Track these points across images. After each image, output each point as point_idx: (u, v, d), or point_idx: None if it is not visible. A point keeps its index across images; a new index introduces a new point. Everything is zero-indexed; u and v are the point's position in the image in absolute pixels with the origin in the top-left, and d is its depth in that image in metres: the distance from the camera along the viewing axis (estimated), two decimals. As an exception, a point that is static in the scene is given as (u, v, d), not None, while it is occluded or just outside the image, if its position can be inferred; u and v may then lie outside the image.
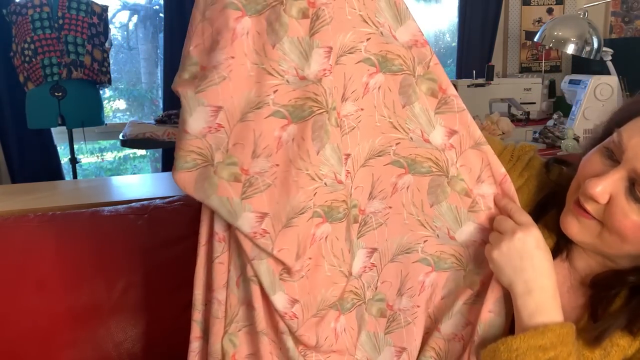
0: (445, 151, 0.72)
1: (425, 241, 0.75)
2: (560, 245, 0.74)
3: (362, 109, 0.71)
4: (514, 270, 0.66)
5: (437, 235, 0.75)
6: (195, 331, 0.76)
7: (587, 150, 0.71)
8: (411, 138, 0.72)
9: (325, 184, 0.68)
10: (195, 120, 0.65)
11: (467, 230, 0.74)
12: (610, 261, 0.70)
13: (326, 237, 0.71)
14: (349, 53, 0.69)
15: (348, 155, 0.72)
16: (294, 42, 0.65)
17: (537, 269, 0.66)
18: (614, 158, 0.64)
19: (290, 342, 0.70)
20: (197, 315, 0.76)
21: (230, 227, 0.70)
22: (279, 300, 0.67)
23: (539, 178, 0.79)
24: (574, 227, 0.67)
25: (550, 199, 0.76)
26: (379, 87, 0.71)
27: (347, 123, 0.71)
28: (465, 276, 0.75)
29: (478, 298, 0.73)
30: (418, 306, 0.76)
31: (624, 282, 0.68)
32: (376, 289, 0.77)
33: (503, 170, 0.73)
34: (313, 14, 0.65)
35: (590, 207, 0.64)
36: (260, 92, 0.65)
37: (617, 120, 0.67)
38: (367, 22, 0.68)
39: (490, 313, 0.71)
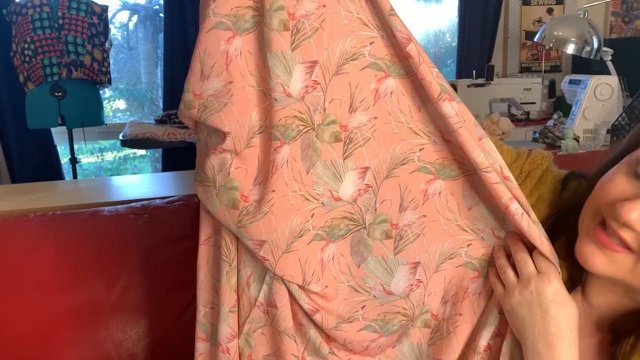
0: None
1: (468, 245, 0.70)
2: (574, 278, 0.65)
3: (375, 117, 0.67)
4: (523, 324, 0.60)
5: (482, 238, 0.69)
6: (199, 332, 0.75)
7: (603, 170, 0.62)
8: (434, 142, 0.68)
9: (322, 203, 0.66)
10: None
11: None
12: (630, 293, 0.61)
13: (333, 258, 0.69)
14: (352, 60, 0.64)
15: (366, 168, 0.68)
16: (277, 56, 0.60)
17: (548, 328, 0.58)
18: None
19: (311, 333, 0.69)
20: (200, 316, 0.75)
21: None
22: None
23: (551, 197, 0.70)
24: (599, 261, 0.57)
25: (560, 223, 0.67)
26: (391, 93, 0.66)
27: (361, 134, 0.67)
28: None
29: None
30: (460, 314, 0.70)
31: None
32: (423, 304, 0.72)
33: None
34: (293, 27, 0.61)
35: (624, 234, 0.55)
36: (260, 115, 0.63)
37: (638, 141, 0.60)
38: (367, 26, 0.64)
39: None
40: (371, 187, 0.68)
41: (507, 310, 0.64)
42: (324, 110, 0.65)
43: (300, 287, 0.66)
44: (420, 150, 0.68)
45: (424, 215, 0.69)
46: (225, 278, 0.70)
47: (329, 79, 0.64)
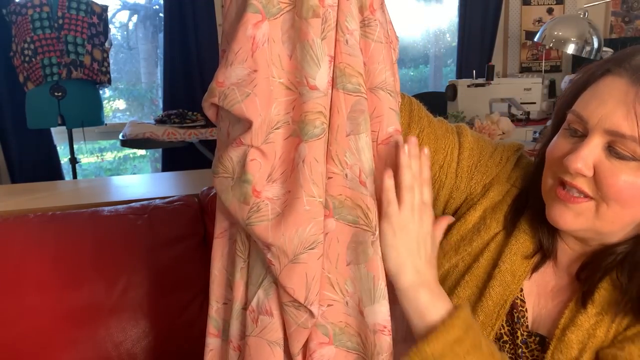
0: None
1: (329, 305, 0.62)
2: (545, 249, 0.70)
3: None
4: (409, 253, 0.61)
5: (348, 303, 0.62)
6: (210, 328, 0.72)
7: (545, 144, 0.70)
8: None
9: None
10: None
11: None
12: (596, 240, 0.67)
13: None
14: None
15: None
16: (304, 47, 0.57)
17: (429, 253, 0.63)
18: (579, 134, 0.64)
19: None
20: (212, 312, 0.72)
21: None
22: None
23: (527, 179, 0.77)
24: (567, 216, 0.64)
25: (522, 200, 0.74)
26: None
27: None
28: None
29: None
30: None
31: (612, 254, 0.65)
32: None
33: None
34: (323, 15, 0.57)
35: (579, 183, 0.62)
36: (279, 109, 0.59)
37: (564, 107, 0.68)
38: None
39: None
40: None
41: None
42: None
43: (299, 304, 0.60)
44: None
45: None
46: (239, 274, 0.66)
47: None
